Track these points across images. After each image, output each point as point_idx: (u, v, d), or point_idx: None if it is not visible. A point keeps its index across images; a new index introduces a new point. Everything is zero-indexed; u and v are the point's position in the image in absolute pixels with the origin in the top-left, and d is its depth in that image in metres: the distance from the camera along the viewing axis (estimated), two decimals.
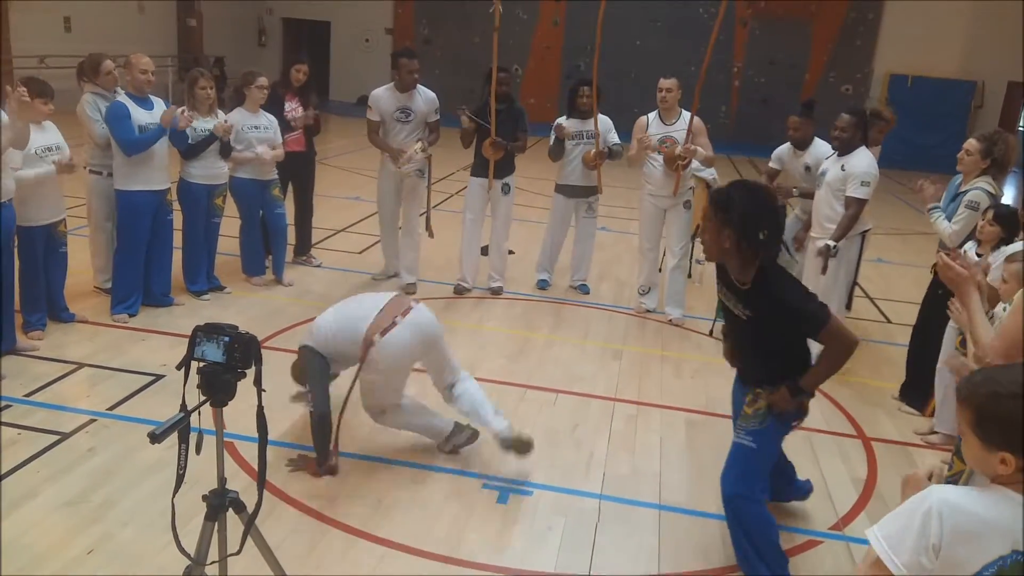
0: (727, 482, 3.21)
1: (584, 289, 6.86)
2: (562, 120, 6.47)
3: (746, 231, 2.91)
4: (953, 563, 1.62)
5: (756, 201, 2.97)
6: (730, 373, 5.49)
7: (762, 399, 3.12)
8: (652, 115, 6.19)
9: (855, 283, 5.58)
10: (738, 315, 3.12)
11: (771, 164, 6.16)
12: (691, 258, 6.91)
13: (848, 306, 5.57)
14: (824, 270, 5.13)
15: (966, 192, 4.71)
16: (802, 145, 5.91)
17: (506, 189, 6.48)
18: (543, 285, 6.80)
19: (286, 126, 6.38)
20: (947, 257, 2.78)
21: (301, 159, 6.65)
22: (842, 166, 5.16)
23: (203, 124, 5.64)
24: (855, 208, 5.08)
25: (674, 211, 6.21)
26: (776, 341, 3.11)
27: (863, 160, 5.14)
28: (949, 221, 4.73)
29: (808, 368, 3.10)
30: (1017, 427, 1.61)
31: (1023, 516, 1.61)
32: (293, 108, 6.49)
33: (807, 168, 5.88)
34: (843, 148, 5.19)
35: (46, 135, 4.88)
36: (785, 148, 6.06)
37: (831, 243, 5.06)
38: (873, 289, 7.70)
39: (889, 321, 6.81)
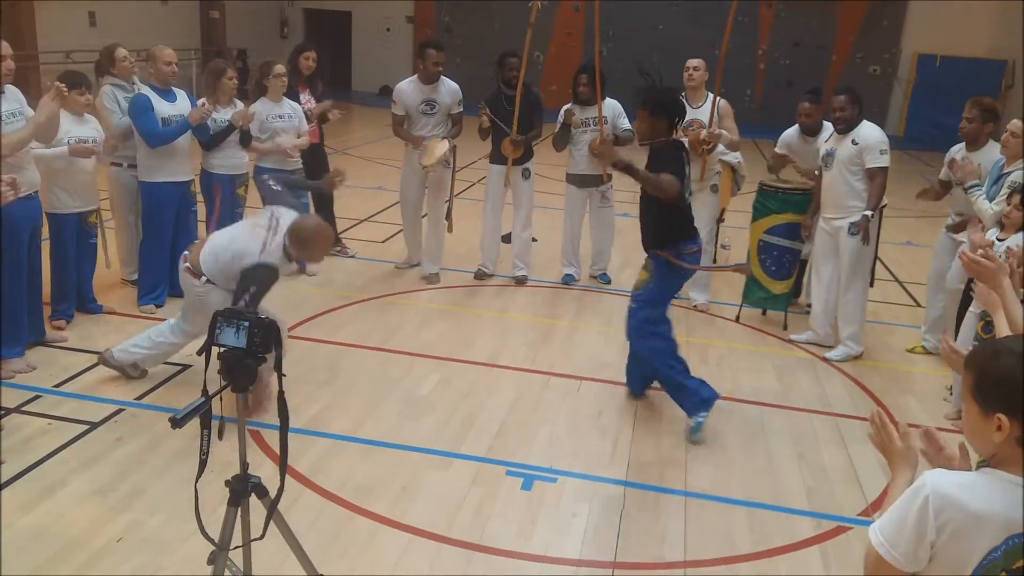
0: (633, 339, 4.43)
1: (605, 279, 6.81)
2: (572, 106, 6.38)
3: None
4: (949, 559, 1.60)
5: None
6: (754, 360, 5.45)
7: (643, 269, 4.40)
8: None
9: (876, 258, 5.52)
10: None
11: (778, 149, 6.03)
12: (716, 243, 6.83)
13: (871, 283, 5.49)
14: (866, 240, 5.17)
15: (1009, 173, 4.61)
16: (813, 131, 5.79)
17: (526, 174, 6.46)
18: (568, 280, 6.70)
19: (305, 118, 6.37)
20: (971, 252, 2.72)
21: (316, 150, 6.64)
22: (852, 140, 5.16)
23: (223, 115, 5.66)
24: (882, 177, 5.15)
25: (700, 195, 6.11)
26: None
27: (873, 131, 5.19)
28: (990, 201, 4.64)
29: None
30: (1014, 384, 1.59)
31: (1021, 497, 1.57)
32: (307, 100, 6.48)
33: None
34: (848, 126, 5.20)
35: (84, 128, 4.93)
36: (793, 133, 5.93)
37: (868, 213, 5.11)
38: (902, 273, 7.58)
39: (919, 305, 6.69)
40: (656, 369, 4.39)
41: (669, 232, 4.29)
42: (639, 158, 4.38)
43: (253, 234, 4.01)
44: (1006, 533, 1.56)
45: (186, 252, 4.24)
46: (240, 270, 3.83)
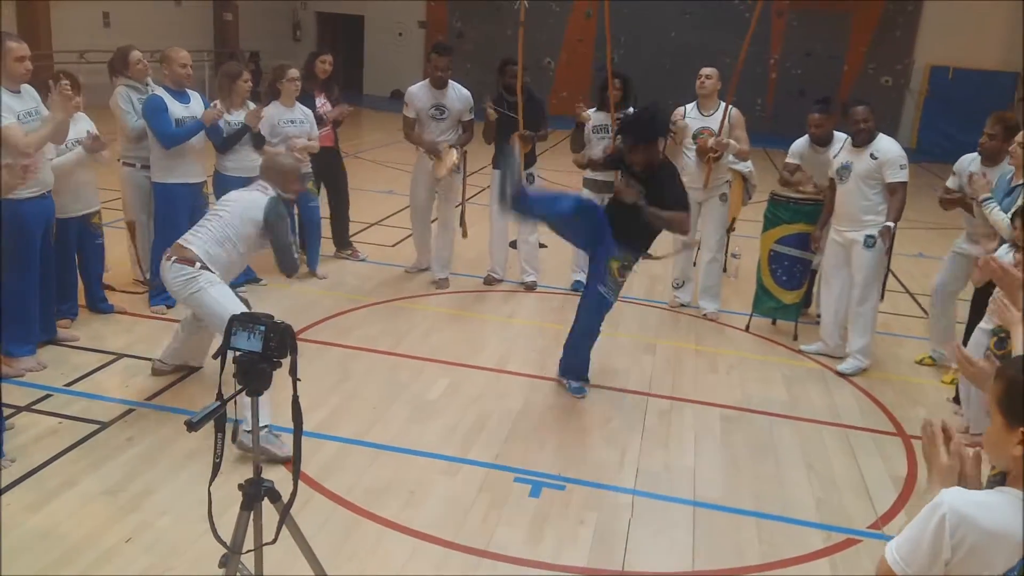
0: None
1: None
2: (590, 110, 6.38)
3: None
4: None
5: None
6: (764, 370, 5.43)
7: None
8: (690, 106, 6.11)
9: (888, 271, 5.51)
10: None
11: (789, 159, 6.00)
12: (727, 252, 6.83)
13: (881, 296, 5.47)
14: (889, 252, 5.15)
15: (1021, 186, 4.58)
16: (823, 141, 5.77)
17: (530, 179, 6.45)
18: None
19: (318, 121, 6.38)
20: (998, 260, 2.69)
21: (331, 154, 6.66)
22: (871, 154, 5.13)
23: (236, 117, 5.68)
24: (902, 191, 5.13)
25: (710, 204, 6.13)
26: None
27: (892, 145, 5.18)
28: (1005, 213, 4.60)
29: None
30: None
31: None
32: (323, 104, 6.50)
33: None
34: (866, 139, 5.17)
35: (76, 127, 4.95)
36: (803, 143, 5.91)
37: (891, 224, 5.10)
38: (914, 285, 7.55)
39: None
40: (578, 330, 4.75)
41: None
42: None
43: (243, 194, 4.32)
44: (1021, 552, 1.55)
45: (168, 252, 4.13)
46: (264, 217, 4.16)
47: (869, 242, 5.16)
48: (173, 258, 4.07)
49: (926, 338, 5.89)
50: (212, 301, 4.00)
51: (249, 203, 4.22)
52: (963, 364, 2.35)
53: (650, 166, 4.61)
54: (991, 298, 3.06)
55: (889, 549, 1.68)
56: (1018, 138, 4.64)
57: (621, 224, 4.56)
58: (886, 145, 5.16)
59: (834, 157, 5.40)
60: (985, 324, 4.35)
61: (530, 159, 6.41)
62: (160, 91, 5.34)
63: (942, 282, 5.41)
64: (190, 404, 4.12)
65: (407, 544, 3.29)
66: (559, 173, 9.96)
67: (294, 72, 6.11)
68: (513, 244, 6.79)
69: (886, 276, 5.47)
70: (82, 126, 4.99)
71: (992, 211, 4.63)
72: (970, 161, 5.23)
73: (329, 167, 6.67)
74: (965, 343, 4.97)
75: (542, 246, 6.88)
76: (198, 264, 4.05)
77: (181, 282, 4.03)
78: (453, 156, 6.14)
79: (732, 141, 5.85)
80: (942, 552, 1.58)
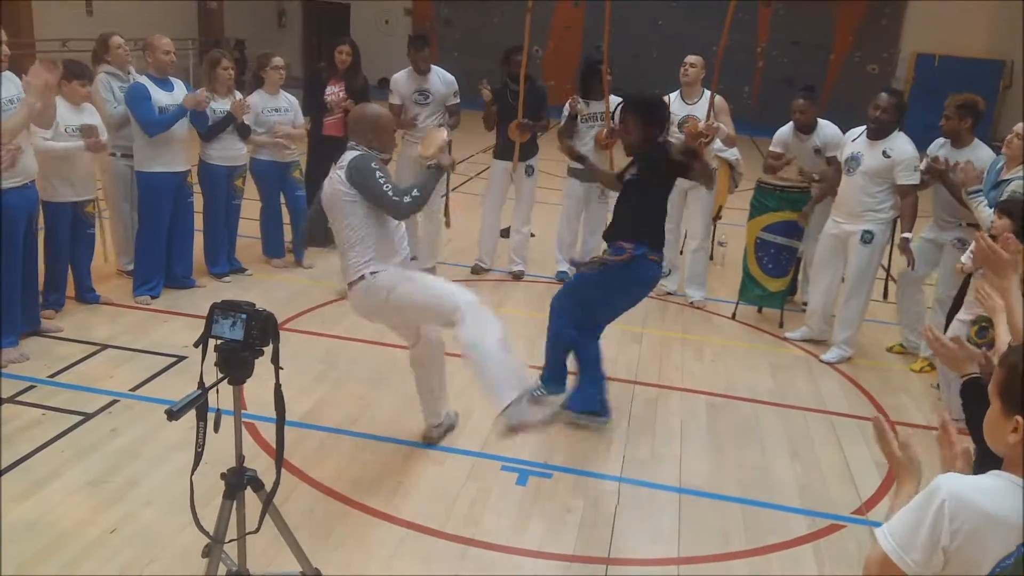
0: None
1: None
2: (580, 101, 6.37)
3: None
4: (961, 563, 1.56)
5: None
6: (750, 358, 5.45)
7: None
8: (674, 95, 6.10)
9: (886, 268, 5.49)
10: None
11: (774, 147, 5.99)
12: (713, 239, 6.83)
13: (884, 295, 5.43)
14: (911, 264, 5.06)
15: (1009, 180, 4.50)
16: (807, 129, 5.76)
17: (530, 171, 6.45)
18: (562, 276, 6.68)
19: (325, 109, 6.34)
20: (991, 240, 2.64)
21: (339, 144, 6.59)
22: (884, 152, 5.00)
23: (221, 105, 5.64)
24: (914, 195, 5.02)
25: (695, 192, 6.12)
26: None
27: (907, 145, 5.02)
28: (991, 208, 4.58)
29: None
30: None
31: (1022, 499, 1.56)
32: (334, 92, 6.44)
33: (817, 151, 5.76)
34: (881, 131, 5.04)
35: (81, 116, 4.93)
36: (788, 130, 5.90)
37: (907, 235, 5.00)
38: (898, 271, 7.58)
39: None
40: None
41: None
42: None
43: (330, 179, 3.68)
44: (1018, 540, 1.54)
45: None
46: (347, 179, 3.67)
47: (867, 237, 5.12)
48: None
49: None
50: (406, 294, 3.57)
51: (335, 183, 3.62)
52: (934, 345, 2.31)
53: (638, 149, 4.24)
54: (970, 287, 3.05)
55: (883, 537, 1.62)
56: (1017, 128, 4.58)
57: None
58: (901, 145, 4.99)
59: (852, 141, 5.23)
60: (963, 315, 4.35)
61: (531, 149, 6.39)
62: (143, 79, 5.30)
63: (907, 270, 5.38)
64: (174, 395, 4.04)
65: (394, 534, 3.30)
66: (559, 163, 9.95)
67: (278, 61, 6.07)
68: (504, 233, 6.77)
69: (888, 273, 5.40)
70: (87, 117, 4.97)
71: (979, 205, 4.54)
72: (940, 145, 5.16)
73: (335, 157, 6.60)
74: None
75: (532, 235, 6.87)
76: (360, 276, 3.57)
77: (367, 302, 3.62)
78: (441, 135, 6.09)
79: (722, 125, 5.85)
80: (941, 539, 1.54)
